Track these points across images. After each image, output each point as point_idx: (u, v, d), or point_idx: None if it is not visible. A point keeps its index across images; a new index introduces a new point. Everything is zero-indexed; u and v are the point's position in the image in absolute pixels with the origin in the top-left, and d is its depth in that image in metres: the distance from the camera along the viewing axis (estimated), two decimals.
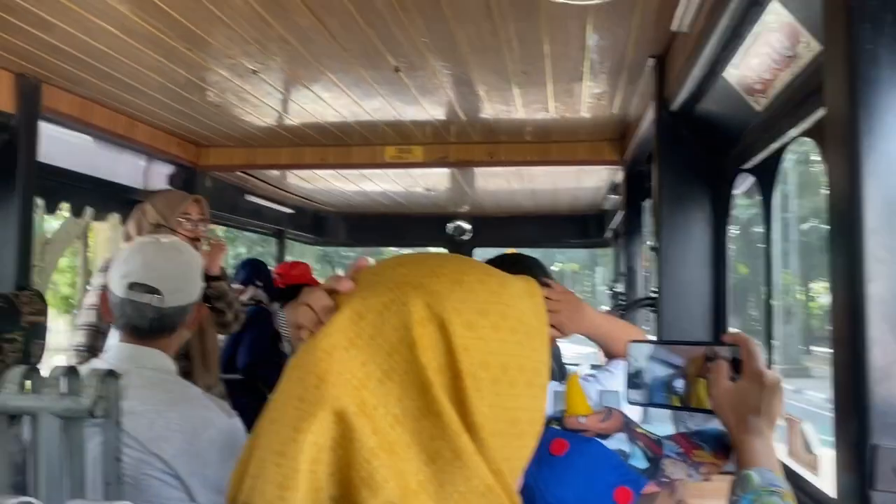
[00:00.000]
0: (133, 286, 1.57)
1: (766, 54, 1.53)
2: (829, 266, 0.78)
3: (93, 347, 2.50)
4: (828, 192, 0.79)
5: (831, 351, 0.79)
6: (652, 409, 1.44)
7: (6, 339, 2.02)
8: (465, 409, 0.57)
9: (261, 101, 2.84)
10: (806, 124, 1.48)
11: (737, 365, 0.94)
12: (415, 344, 0.57)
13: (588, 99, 2.74)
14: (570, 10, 1.85)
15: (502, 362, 0.60)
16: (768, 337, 2.02)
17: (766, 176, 1.86)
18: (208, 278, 2.62)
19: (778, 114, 1.65)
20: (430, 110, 2.95)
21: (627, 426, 0.94)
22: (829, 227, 0.77)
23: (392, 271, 0.63)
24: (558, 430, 0.95)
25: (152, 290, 1.57)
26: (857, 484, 0.72)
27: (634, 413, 1.52)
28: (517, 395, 0.60)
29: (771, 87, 1.61)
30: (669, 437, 0.97)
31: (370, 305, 0.59)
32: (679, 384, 1.00)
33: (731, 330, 2.05)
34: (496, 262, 1.56)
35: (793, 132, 1.58)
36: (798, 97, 1.51)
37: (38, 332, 2.05)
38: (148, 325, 1.58)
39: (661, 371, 1.02)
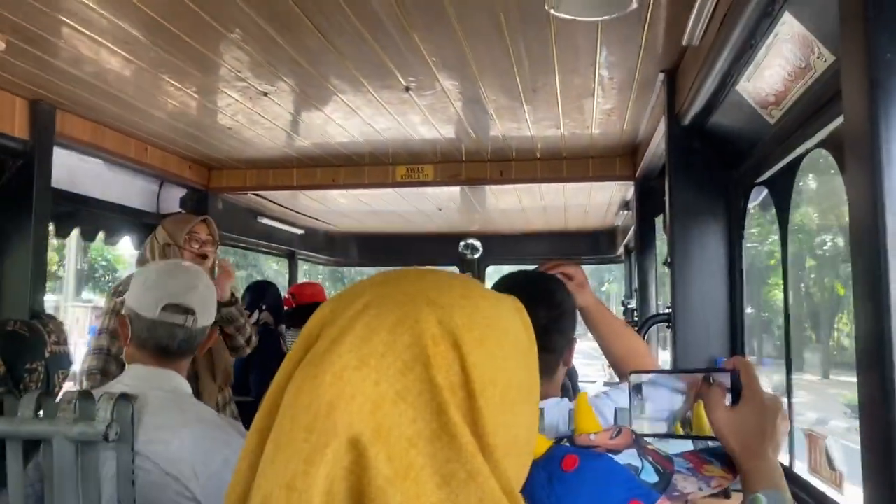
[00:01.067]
0: (168, 307, 1.59)
1: (779, 66, 1.52)
2: (852, 288, 0.76)
3: (104, 371, 2.50)
4: (848, 206, 0.77)
5: (857, 380, 0.77)
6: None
7: (28, 370, 2.01)
8: (480, 429, 0.55)
9: (272, 123, 2.85)
10: (821, 135, 1.47)
11: (736, 389, 0.94)
12: (429, 362, 0.55)
13: (599, 115, 2.74)
14: (579, 26, 1.85)
15: (506, 379, 0.59)
16: (788, 359, 1.98)
17: (781, 189, 1.85)
18: (218, 304, 2.64)
19: (792, 126, 1.63)
20: (440, 129, 2.95)
21: (637, 442, 0.93)
22: (850, 245, 0.76)
23: (399, 285, 0.61)
24: (569, 447, 0.95)
25: (187, 311, 1.60)
26: None
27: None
28: (518, 413, 0.60)
29: (785, 98, 1.60)
30: (679, 455, 0.96)
31: (382, 321, 0.57)
32: (682, 412, 1.00)
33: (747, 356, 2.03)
34: (513, 281, 1.56)
35: (808, 144, 1.57)
36: (812, 108, 1.50)
37: (60, 361, 2.05)
38: (176, 346, 1.60)
39: (664, 400, 1.02)
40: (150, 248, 2.82)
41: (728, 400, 0.94)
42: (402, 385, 0.54)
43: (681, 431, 1.00)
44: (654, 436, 1.04)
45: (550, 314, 1.49)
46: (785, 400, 1.70)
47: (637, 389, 1.05)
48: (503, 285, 1.55)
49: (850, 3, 0.76)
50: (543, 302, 1.50)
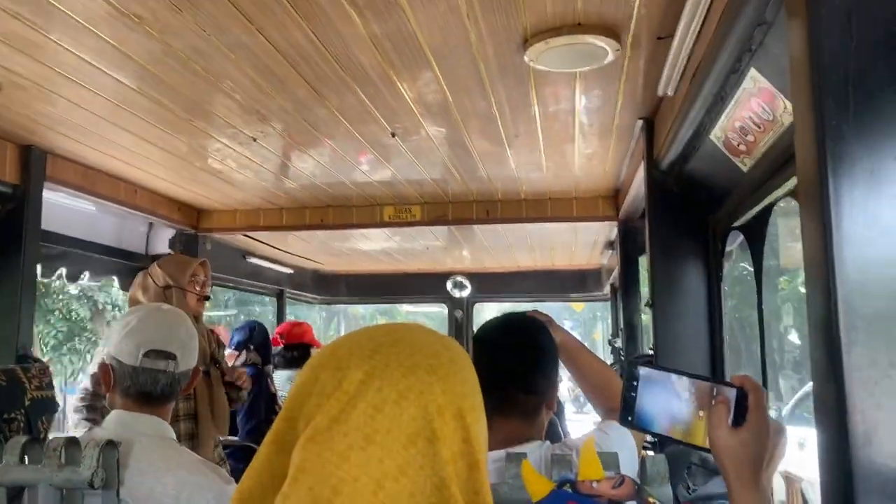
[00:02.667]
0: (149, 353, 1.61)
1: (748, 118, 1.58)
2: (808, 332, 0.80)
3: (94, 418, 2.51)
4: (804, 259, 0.81)
5: (815, 416, 0.80)
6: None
7: (6, 419, 1.98)
8: (482, 499, 0.56)
9: (260, 167, 2.90)
10: (790, 185, 1.52)
11: (739, 408, 0.92)
12: (434, 435, 0.55)
13: (580, 159, 2.80)
14: (558, 76, 1.92)
15: (483, 438, 0.60)
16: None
17: (755, 233, 1.90)
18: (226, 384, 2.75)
19: (763, 174, 1.69)
20: (426, 171, 3.01)
21: (639, 494, 0.95)
22: (806, 295, 0.80)
23: (395, 353, 0.60)
24: (571, 493, 0.96)
25: (169, 356, 1.61)
26: None
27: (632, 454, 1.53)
28: (485, 464, 0.61)
29: (755, 148, 1.65)
30: None
31: (385, 396, 0.56)
32: (681, 417, 0.99)
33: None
34: (497, 325, 1.59)
35: (778, 192, 1.63)
36: (781, 159, 1.56)
37: (44, 406, 2.03)
38: (159, 391, 1.61)
39: (665, 400, 1.01)
40: (144, 289, 2.85)
41: (730, 419, 0.92)
42: (404, 459, 0.54)
43: (677, 437, 1.00)
44: (646, 431, 1.04)
45: (533, 356, 1.52)
46: None
47: (638, 382, 1.04)
48: (487, 330, 1.58)
49: (798, 73, 0.82)
50: (527, 345, 1.53)
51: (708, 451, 0.95)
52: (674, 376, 1.02)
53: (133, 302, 2.89)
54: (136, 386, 1.61)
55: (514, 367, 1.47)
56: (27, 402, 2.05)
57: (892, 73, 0.77)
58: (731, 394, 0.94)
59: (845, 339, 0.71)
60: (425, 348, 0.61)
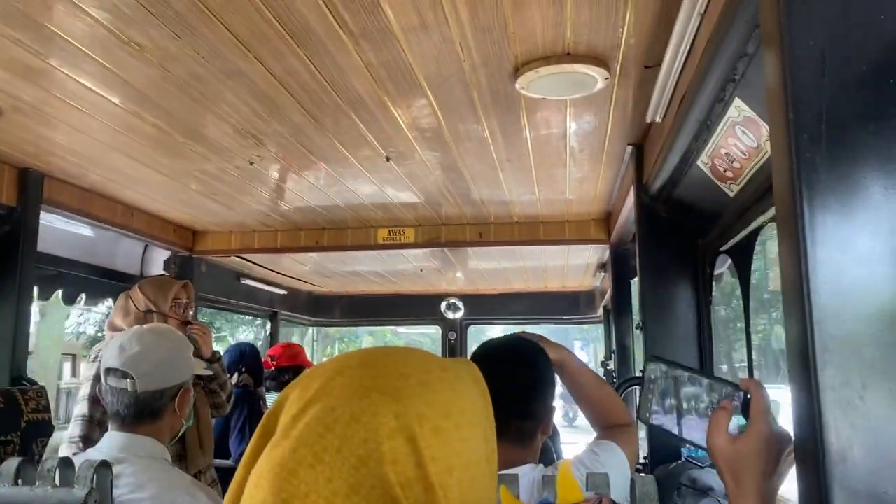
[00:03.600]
0: (108, 371, 1.63)
1: (733, 145, 1.62)
2: (786, 354, 0.83)
3: (87, 438, 2.50)
4: (781, 283, 0.85)
5: (794, 435, 0.83)
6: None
7: (1, 442, 1.98)
8: None
9: (256, 190, 2.93)
10: (773, 211, 1.56)
11: (746, 413, 0.90)
12: (383, 458, 0.55)
13: (571, 183, 2.84)
14: (549, 103, 1.96)
15: (464, 461, 0.60)
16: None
17: (742, 257, 1.93)
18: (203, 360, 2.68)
19: (749, 200, 1.73)
20: (420, 194, 3.04)
21: None
22: (783, 318, 0.83)
23: (357, 374, 0.61)
24: None
25: (125, 375, 1.62)
26: None
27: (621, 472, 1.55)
28: (476, 489, 0.61)
29: (741, 175, 1.69)
30: None
31: (338, 416, 0.57)
32: (694, 416, 0.99)
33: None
34: (496, 349, 1.60)
35: (763, 218, 1.66)
36: (766, 185, 1.60)
37: (40, 428, 2.03)
38: (125, 411, 1.62)
39: (679, 399, 1.01)
40: (125, 313, 2.82)
41: (733, 425, 0.90)
42: (356, 480, 0.54)
43: (688, 436, 1.00)
44: (663, 430, 1.04)
45: (530, 380, 1.53)
46: None
47: (651, 381, 1.05)
48: (485, 352, 1.60)
49: (774, 106, 0.85)
50: (525, 369, 1.54)
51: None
52: (688, 374, 1.01)
53: (111, 326, 2.82)
54: (109, 406, 1.64)
55: (512, 393, 1.48)
56: (23, 424, 2.05)
57: (863, 109, 0.80)
58: (738, 397, 0.93)
59: (820, 361, 0.74)
60: (393, 372, 0.62)
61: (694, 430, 0.99)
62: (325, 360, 0.69)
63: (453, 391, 0.63)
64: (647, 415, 1.06)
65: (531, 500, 1.38)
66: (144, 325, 1.86)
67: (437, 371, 0.64)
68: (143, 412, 1.63)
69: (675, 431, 1.01)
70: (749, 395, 0.91)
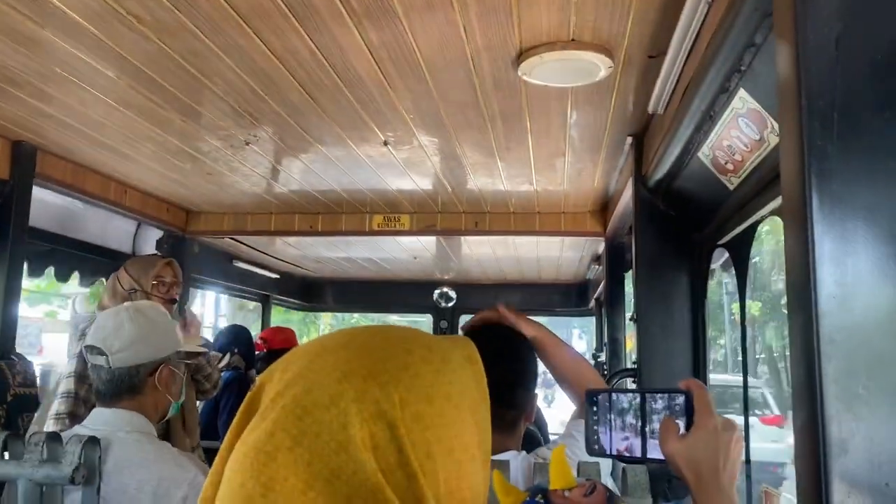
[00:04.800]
0: (87, 349, 1.66)
1: (736, 137, 1.61)
2: (790, 346, 0.82)
3: (73, 414, 2.48)
4: (786, 274, 0.84)
5: (793, 425, 0.82)
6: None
7: None
8: None
9: (251, 171, 2.90)
10: (774, 204, 1.55)
11: (690, 412, 0.92)
12: (364, 444, 0.54)
13: (569, 173, 2.83)
14: (550, 90, 1.94)
15: (448, 447, 0.59)
16: (745, 409, 2.05)
17: (740, 251, 1.93)
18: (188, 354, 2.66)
19: (749, 193, 1.72)
20: (417, 181, 3.02)
21: (611, 501, 0.96)
22: (788, 309, 0.82)
23: (337, 356, 0.60)
24: (543, 503, 0.97)
25: (100, 352, 1.64)
26: None
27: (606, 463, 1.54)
28: (462, 476, 0.60)
29: (742, 167, 1.68)
30: None
31: (316, 399, 0.56)
32: (643, 434, 0.99)
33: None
34: (479, 337, 1.59)
35: (763, 211, 1.65)
36: (767, 178, 1.59)
37: (25, 403, 2.03)
38: (104, 388, 1.65)
39: (625, 421, 1.02)
40: (112, 293, 2.80)
41: (682, 426, 0.92)
42: (336, 464, 0.53)
43: (637, 454, 0.99)
44: (610, 457, 1.04)
45: (513, 369, 1.53)
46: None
47: (594, 406, 1.05)
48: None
49: (786, 95, 0.84)
50: (508, 358, 1.54)
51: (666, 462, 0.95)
52: (629, 396, 1.02)
53: (101, 307, 2.78)
54: (93, 383, 1.67)
55: (497, 382, 1.47)
56: (9, 398, 2.05)
57: (876, 98, 0.79)
58: (681, 400, 0.94)
59: (825, 352, 0.73)
60: (374, 354, 0.60)
61: (653, 447, 0.99)
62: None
63: (438, 374, 0.61)
64: (596, 447, 1.05)
65: (518, 487, 1.38)
66: (125, 303, 1.85)
67: (422, 352, 0.62)
68: (119, 388, 1.64)
69: (636, 454, 1.01)
70: (690, 394, 0.93)
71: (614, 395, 1.04)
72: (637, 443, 1.01)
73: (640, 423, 1.00)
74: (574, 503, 0.95)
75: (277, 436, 0.54)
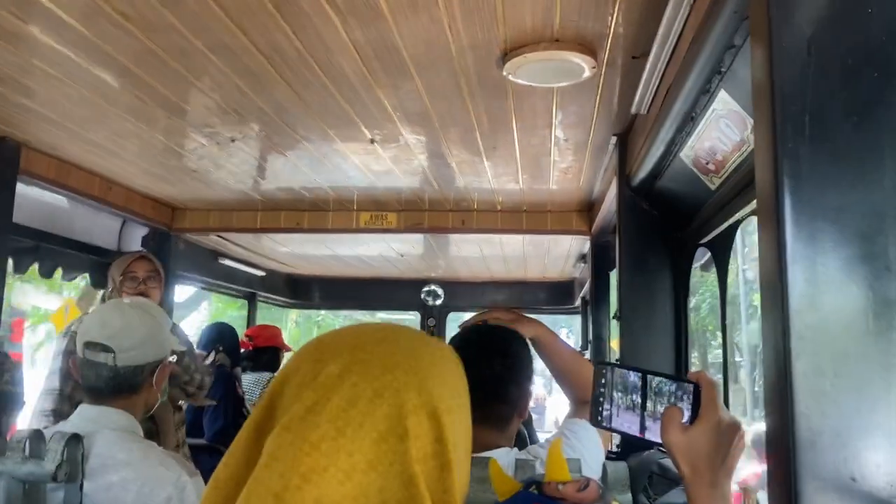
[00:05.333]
0: (88, 345, 1.61)
1: (717, 138, 1.63)
2: (762, 343, 0.84)
3: (58, 412, 2.48)
4: (759, 273, 0.85)
5: (765, 421, 0.84)
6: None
7: None
8: (450, 497, 0.58)
9: (237, 168, 2.90)
10: (755, 204, 1.57)
11: (696, 404, 0.92)
12: (406, 434, 0.56)
13: (555, 173, 2.85)
14: (535, 90, 1.96)
15: (466, 440, 0.63)
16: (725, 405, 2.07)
17: (721, 250, 1.95)
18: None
19: (730, 193, 1.74)
20: (404, 179, 3.03)
21: (603, 497, 0.97)
22: (760, 306, 0.84)
23: (375, 351, 0.62)
24: (537, 495, 0.98)
25: (105, 349, 1.60)
26: None
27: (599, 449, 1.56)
28: (465, 466, 0.63)
29: (723, 168, 1.71)
30: None
31: (360, 392, 0.58)
32: (647, 415, 1.00)
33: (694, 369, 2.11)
34: (470, 334, 1.60)
35: (744, 211, 1.68)
36: (748, 179, 1.61)
37: (10, 401, 2.01)
38: (104, 385, 1.60)
39: (631, 399, 1.02)
40: (106, 294, 2.82)
41: (686, 417, 0.92)
42: (374, 455, 0.55)
43: (635, 433, 1.00)
44: (611, 429, 1.05)
45: (505, 365, 1.54)
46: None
47: (601, 385, 1.06)
48: (463, 339, 1.60)
49: (760, 97, 0.86)
50: (499, 353, 1.55)
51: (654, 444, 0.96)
52: (637, 375, 1.02)
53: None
54: (84, 379, 1.62)
55: (489, 377, 1.48)
56: None
57: (847, 102, 0.81)
58: (689, 390, 0.94)
59: (795, 349, 0.75)
60: (407, 349, 0.63)
61: (651, 429, 1.00)
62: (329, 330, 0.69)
63: (456, 371, 0.66)
64: (599, 419, 1.06)
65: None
66: (125, 300, 1.84)
67: (439, 350, 0.66)
68: (121, 387, 1.62)
69: (633, 432, 1.01)
70: (699, 387, 0.93)
71: (623, 371, 1.04)
72: (636, 422, 1.01)
73: (642, 403, 1.00)
74: (567, 496, 0.96)
75: (323, 427, 0.56)
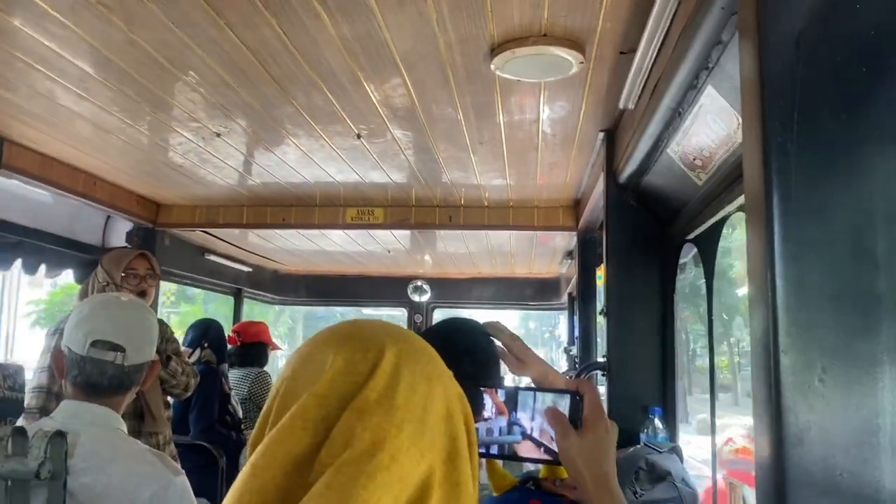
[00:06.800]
0: (96, 343, 1.57)
1: (704, 134, 1.63)
2: (750, 338, 0.84)
3: (44, 409, 2.44)
4: (748, 269, 0.85)
5: (753, 417, 0.84)
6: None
7: None
8: (475, 471, 0.65)
9: (223, 163, 2.88)
10: (741, 200, 1.58)
11: (576, 412, 0.91)
12: (451, 416, 0.64)
13: (542, 168, 2.85)
14: (523, 86, 1.96)
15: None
16: (713, 403, 2.09)
17: (708, 246, 1.96)
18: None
19: (717, 189, 1.75)
20: (390, 174, 3.02)
21: None
22: (748, 301, 0.84)
23: (410, 342, 0.68)
24: (535, 491, 0.98)
25: (116, 348, 1.57)
26: None
27: None
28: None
29: (710, 163, 1.71)
30: None
31: (418, 378, 0.64)
32: (535, 433, 0.97)
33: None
34: (438, 331, 1.59)
35: (730, 207, 1.68)
36: (734, 174, 1.61)
37: (11, 408, 1.99)
38: (107, 383, 1.58)
39: (525, 419, 0.99)
40: (91, 288, 2.78)
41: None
42: (435, 434, 0.62)
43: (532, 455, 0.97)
44: (489, 455, 1.00)
45: (475, 365, 1.53)
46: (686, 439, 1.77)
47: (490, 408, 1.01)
48: (429, 334, 1.58)
49: (748, 92, 0.86)
50: (468, 354, 1.53)
51: (556, 462, 0.93)
52: (520, 393, 0.99)
53: (82, 299, 2.78)
54: (84, 376, 1.58)
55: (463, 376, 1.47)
56: None
57: (835, 98, 0.81)
58: (565, 400, 0.93)
59: (783, 344, 0.75)
60: (424, 343, 0.71)
61: (527, 446, 0.97)
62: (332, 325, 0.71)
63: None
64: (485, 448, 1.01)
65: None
66: (123, 296, 1.81)
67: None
68: (122, 385, 1.60)
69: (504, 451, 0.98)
70: (578, 394, 0.93)
71: (512, 391, 1.01)
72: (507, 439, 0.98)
73: (532, 423, 0.97)
74: (567, 488, 0.96)
75: (401, 411, 0.61)
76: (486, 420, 1.00)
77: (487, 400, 1.01)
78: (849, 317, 0.76)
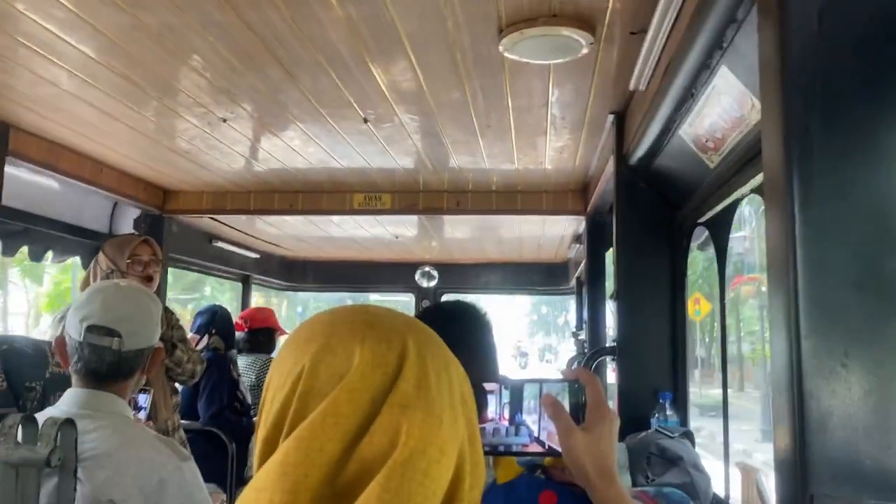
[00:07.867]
0: (92, 329, 1.56)
1: (717, 115, 1.60)
2: (769, 322, 0.82)
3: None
4: (767, 252, 0.83)
5: (772, 403, 0.82)
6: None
7: (28, 387, 2.14)
8: (480, 452, 0.66)
9: (230, 148, 2.86)
10: (755, 182, 1.55)
11: (577, 406, 0.88)
12: (465, 400, 0.65)
13: (551, 152, 2.82)
14: (531, 67, 1.93)
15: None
16: (725, 385, 2.07)
17: (720, 229, 1.93)
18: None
19: (729, 171, 1.72)
20: (398, 160, 3.00)
21: None
22: (767, 285, 0.82)
23: (426, 330, 0.68)
24: (545, 480, 0.96)
25: (112, 333, 1.56)
26: None
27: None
28: None
29: (723, 145, 1.68)
30: (635, 497, 0.96)
31: (438, 365, 0.65)
32: (533, 427, 0.93)
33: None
34: (432, 316, 1.57)
35: (743, 189, 1.66)
36: (747, 157, 1.59)
37: (61, 383, 2.04)
38: (106, 369, 1.57)
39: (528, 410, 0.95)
40: (93, 275, 2.77)
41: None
42: (457, 416, 0.63)
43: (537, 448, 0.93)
44: (498, 453, 0.97)
45: (469, 353, 1.50)
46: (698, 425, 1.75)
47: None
48: (422, 316, 1.55)
49: (768, 71, 0.83)
50: (461, 343, 1.50)
51: (554, 454, 0.89)
52: (527, 386, 0.95)
53: (84, 286, 2.77)
54: (83, 362, 1.57)
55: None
56: (47, 375, 2.14)
57: (859, 74, 0.79)
58: (566, 391, 0.90)
59: (804, 328, 0.73)
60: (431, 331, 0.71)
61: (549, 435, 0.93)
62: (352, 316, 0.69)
63: None
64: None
65: None
66: (121, 282, 1.80)
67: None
68: (121, 371, 1.59)
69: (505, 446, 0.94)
70: (578, 385, 0.89)
71: (519, 381, 0.96)
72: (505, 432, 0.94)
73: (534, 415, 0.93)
74: (575, 481, 0.94)
75: (437, 400, 0.62)
76: (491, 420, 0.97)
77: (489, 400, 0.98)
78: (872, 300, 0.74)
